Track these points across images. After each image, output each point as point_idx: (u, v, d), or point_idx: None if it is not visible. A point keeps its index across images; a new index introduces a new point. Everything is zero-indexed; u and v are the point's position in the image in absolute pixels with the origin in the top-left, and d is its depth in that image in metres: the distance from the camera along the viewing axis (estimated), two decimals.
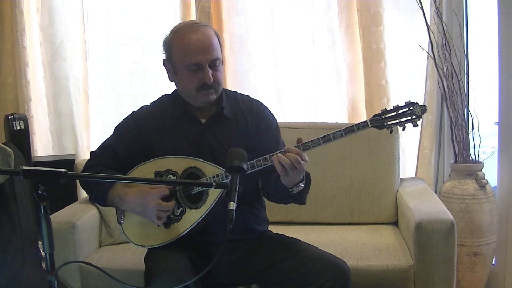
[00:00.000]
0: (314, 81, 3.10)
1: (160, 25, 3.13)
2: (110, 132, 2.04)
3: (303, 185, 1.76)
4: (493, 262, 2.83)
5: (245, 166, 1.57)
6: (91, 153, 2.04)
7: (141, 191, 1.80)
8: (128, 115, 2.02)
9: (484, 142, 2.80)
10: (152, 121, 1.96)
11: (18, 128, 2.74)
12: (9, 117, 2.74)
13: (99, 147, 2.02)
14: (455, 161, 2.81)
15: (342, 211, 2.70)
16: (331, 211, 2.70)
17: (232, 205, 1.44)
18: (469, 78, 2.87)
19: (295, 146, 1.71)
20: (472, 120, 2.78)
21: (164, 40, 1.91)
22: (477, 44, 2.97)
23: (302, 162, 1.66)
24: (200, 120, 1.95)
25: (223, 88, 1.97)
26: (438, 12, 2.77)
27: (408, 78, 3.03)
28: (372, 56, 2.99)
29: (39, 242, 2.37)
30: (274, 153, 1.72)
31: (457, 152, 2.80)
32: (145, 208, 1.79)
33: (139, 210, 1.81)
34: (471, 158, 2.78)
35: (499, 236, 2.75)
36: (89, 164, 1.98)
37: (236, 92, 2.06)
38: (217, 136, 1.92)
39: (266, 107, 2.04)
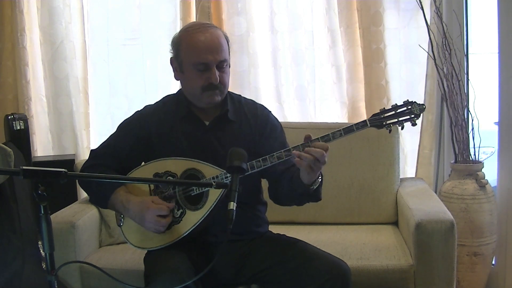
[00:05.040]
0: (314, 81, 3.10)
1: (160, 25, 3.13)
2: (109, 132, 2.03)
3: (320, 179, 1.75)
4: (493, 262, 2.83)
5: (245, 166, 1.57)
6: (92, 151, 2.02)
7: (142, 203, 1.81)
8: (132, 115, 2.02)
9: (484, 142, 2.80)
10: (155, 121, 1.95)
11: (18, 128, 2.74)
12: (9, 117, 2.74)
13: (100, 146, 2.01)
14: (455, 161, 2.81)
15: (342, 211, 2.70)
16: (331, 211, 2.70)
17: (232, 205, 1.44)
18: (469, 78, 2.87)
19: (302, 144, 1.70)
20: (472, 120, 2.78)
21: (173, 38, 1.91)
22: (477, 44, 2.97)
23: (325, 155, 1.65)
24: (204, 122, 1.94)
25: (228, 91, 1.96)
26: (438, 12, 2.77)
27: (408, 78, 3.03)
28: (372, 56, 2.99)
29: (39, 242, 2.37)
30: (274, 153, 1.72)
31: (457, 152, 2.80)
32: (143, 222, 1.80)
33: (138, 221, 1.83)
34: (471, 158, 2.78)
35: (499, 236, 2.75)
36: (89, 164, 1.97)
37: (240, 95, 2.05)
38: (220, 139, 1.92)
39: (270, 111, 2.04)
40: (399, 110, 1.73)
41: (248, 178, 1.70)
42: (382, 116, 1.73)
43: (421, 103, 1.74)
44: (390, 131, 1.76)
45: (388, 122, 1.73)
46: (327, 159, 1.67)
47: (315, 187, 1.75)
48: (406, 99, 1.75)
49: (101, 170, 1.91)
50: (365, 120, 1.73)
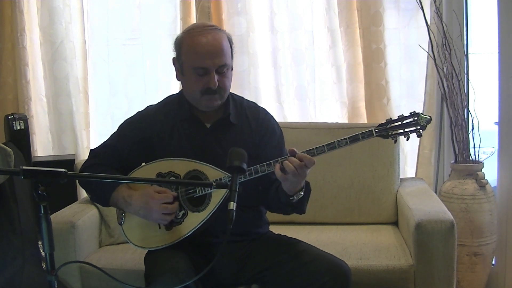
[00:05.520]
0: (314, 81, 3.10)
1: (160, 25, 3.13)
2: (109, 132, 2.03)
3: (303, 193, 1.77)
4: (493, 262, 2.83)
5: (245, 166, 1.57)
6: (91, 151, 2.02)
7: (145, 195, 1.80)
8: (133, 115, 2.01)
9: (484, 142, 2.80)
10: (156, 122, 1.94)
11: (18, 128, 2.74)
12: (9, 117, 2.74)
13: (100, 145, 2.00)
14: (455, 161, 2.81)
15: (342, 211, 2.70)
16: (331, 211, 2.70)
17: (232, 205, 1.44)
18: (469, 78, 2.87)
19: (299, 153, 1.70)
20: (472, 120, 2.78)
21: (176, 39, 1.90)
22: (477, 44, 2.97)
23: (306, 168, 1.66)
24: (205, 124, 1.93)
25: (230, 93, 1.96)
26: (438, 12, 2.77)
27: (408, 78, 3.03)
28: (372, 56, 2.99)
29: (39, 242, 2.37)
30: (278, 159, 1.71)
31: (457, 152, 2.80)
32: (149, 212, 1.79)
33: (143, 214, 1.81)
34: (471, 158, 2.78)
35: (499, 236, 2.75)
36: (89, 164, 1.96)
37: (242, 97, 2.04)
38: (220, 141, 1.91)
39: (272, 116, 2.04)
40: (405, 121, 1.74)
41: (250, 182, 1.72)
42: (388, 127, 1.74)
43: (427, 115, 1.75)
44: (395, 141, 1.77)
45: (394, 132, 1.75)
46: (308, 172, 1.69)
47: (296, 199, 1.76)
48: (412, 111, 1.76)
49: (101, 170, 1.90)
50: (371, 130, 1.74)
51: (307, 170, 1.68)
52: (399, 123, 1.74)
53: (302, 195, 1.77)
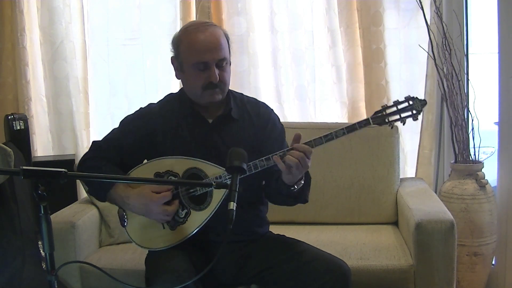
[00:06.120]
0: (314, 81, 3.10)
1: (160, 25, 3.13)
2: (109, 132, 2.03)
3: (303, 181, 1.77)
4: (493, 262, 2.83)
5: (245, 166, 1.57)
6: (94, 143, 2.01)
7: (143, 196, 1.80)
8: (136, 112, 2.01)
9: (484, 142, 2.80)
10: (159, 119, 1.95)
11: (18, 128, 2.74)
12: (9, 117, 2.74)
13: (103, 139, 1.99)
14: (455, 161, 2.81)
15: (342, 211, 2.70)
16: (331, 211, 2.70)
17: (232, 205, 1.44)
18: (469, 78, 2.87)
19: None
20: (472, 120, 2.78)
21: (173, 38, 1.91)
22: (477, 44, 2.97)
23: (307, 159, 1.67)
24: (207, 120, 1.94)
25: (230, 90, 1.96)
26: (438, 12, 2.77)
27: (408, 78, 3.03)
28: (372, 56, 2.99)
29: (39, 242, 2.37)
30: (277, 152, 1.72)
31: (457, 152, 2.80)
32: (148, 214, 1.80)
33: (142, 214, 1.82)
34: (471, 158, 2.78)
35: (499, 236, 2.75)
36: (90, 155, 1.95)
37: (242, 94, 2.05)
38: (223, 137, 1.92)
39: (272, 110, 2.04)
40: (400, 106, 1.75)
41: (251, 178, 1.71)
42: (384, 113, 1.75)
43: (422, 99, 1.75)
44: (392, 127, 1.78)
45: (390, 119, 1.75)
46: (310, 163, 1.69)
47: (296, 189, 1.76)
48: (407, 95, 1.76)
49: (103, 164, 1.89)
50: (368, 118, 1.74)
51: (308, 161, 1.68)
52: (395, 108, 1.74)
53: (302, 184, 1.77)
